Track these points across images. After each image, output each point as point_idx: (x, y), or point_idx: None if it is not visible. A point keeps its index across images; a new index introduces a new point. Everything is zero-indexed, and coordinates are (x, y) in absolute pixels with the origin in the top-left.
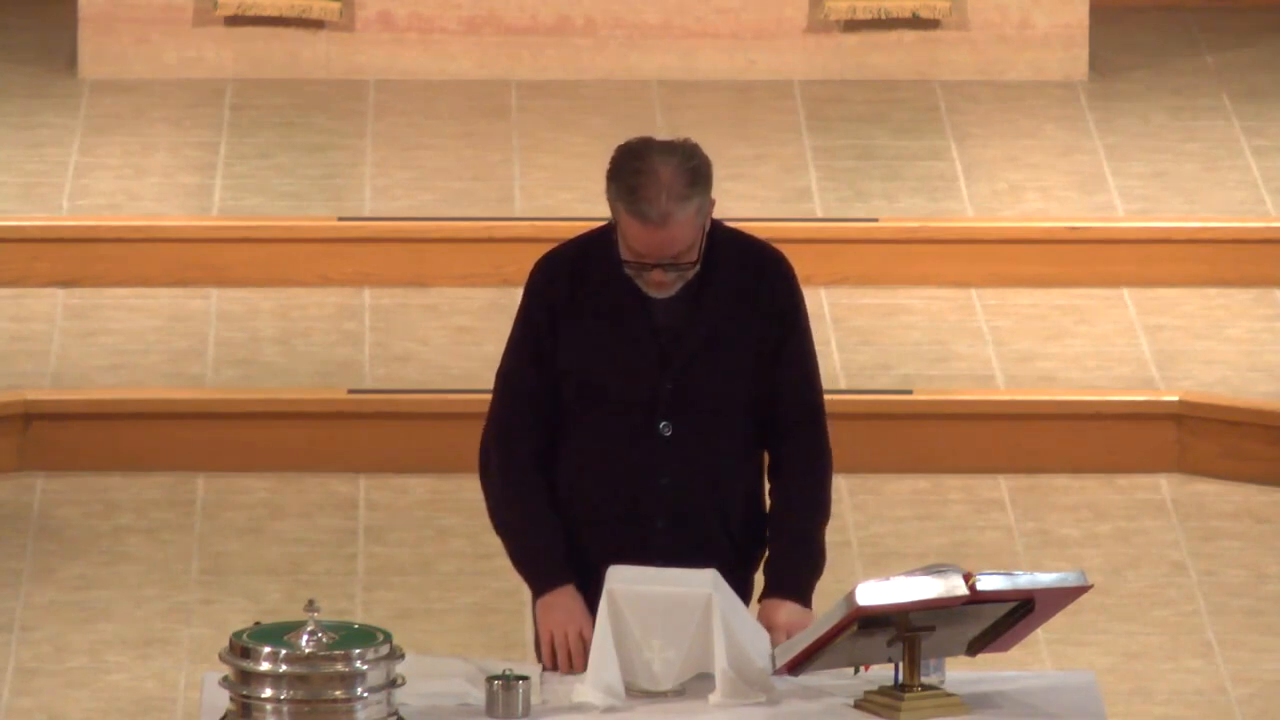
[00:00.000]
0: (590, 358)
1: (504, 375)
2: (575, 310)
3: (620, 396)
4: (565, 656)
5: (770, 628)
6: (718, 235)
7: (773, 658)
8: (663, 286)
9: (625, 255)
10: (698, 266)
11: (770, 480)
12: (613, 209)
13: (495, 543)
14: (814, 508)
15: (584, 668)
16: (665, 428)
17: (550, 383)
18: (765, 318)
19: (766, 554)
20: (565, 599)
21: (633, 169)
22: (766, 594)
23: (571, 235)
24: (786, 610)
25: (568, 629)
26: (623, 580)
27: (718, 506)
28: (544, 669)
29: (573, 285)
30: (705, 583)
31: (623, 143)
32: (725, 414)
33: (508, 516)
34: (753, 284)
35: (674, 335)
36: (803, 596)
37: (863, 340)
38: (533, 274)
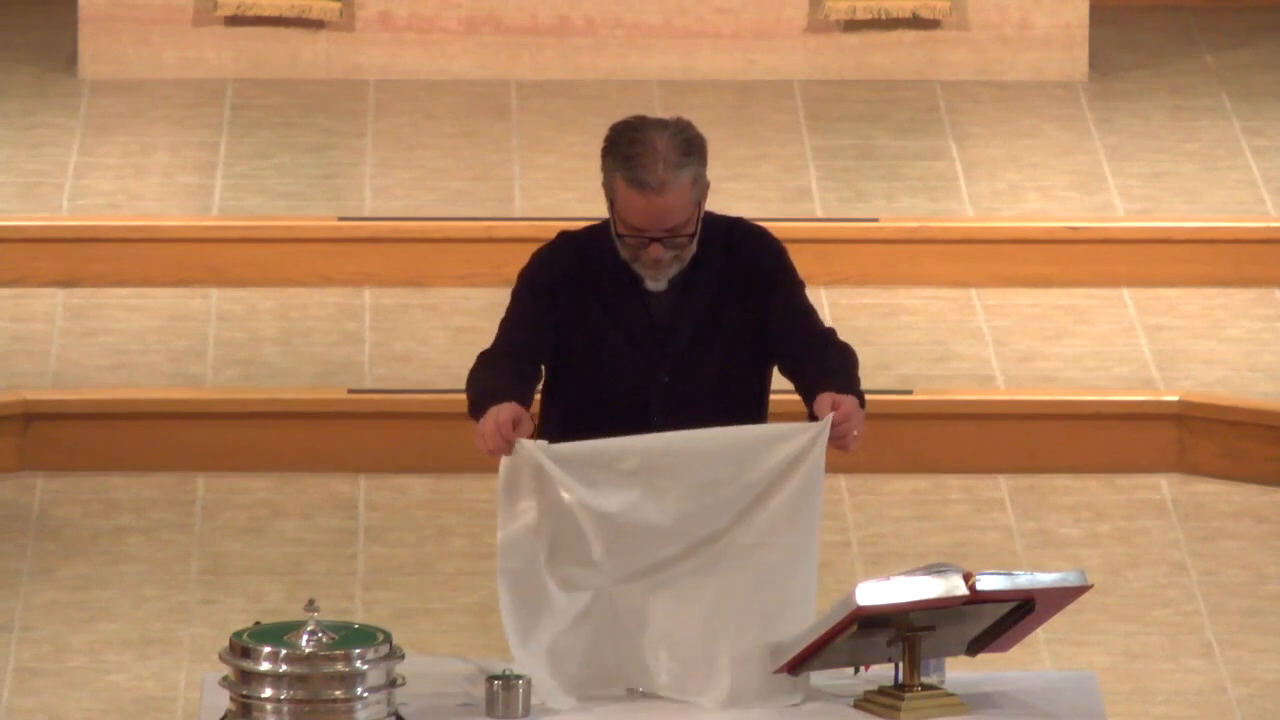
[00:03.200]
0: (587, 353)
1: (500, 338)
2: (575, 298)
3: (616, 391)
4: (494, 434)
5: (836, 405)
6: (707, 225)
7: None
8: (660, 266)
9: (622, 230)
10: (694, 245)
11: (801, 377)
12: (609, 184)
13: (495, 542)
14: (850, 364)
15: (507, 440)
16: (660, 421)
17: (545, 347)
18: (750, 286)
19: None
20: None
21: (629, 139)
22: (825, 390)
23: None
24: (849, 399)
25: (496, 414)
26: (624, 580)
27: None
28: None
29: (575, 271)
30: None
31: (616, 121)
32: (720, 404)
33: (471, 383)
34: (734, 261)
35: (669, 330)
36: (857, 395)
37: (863, 340)
38: (533, 257)
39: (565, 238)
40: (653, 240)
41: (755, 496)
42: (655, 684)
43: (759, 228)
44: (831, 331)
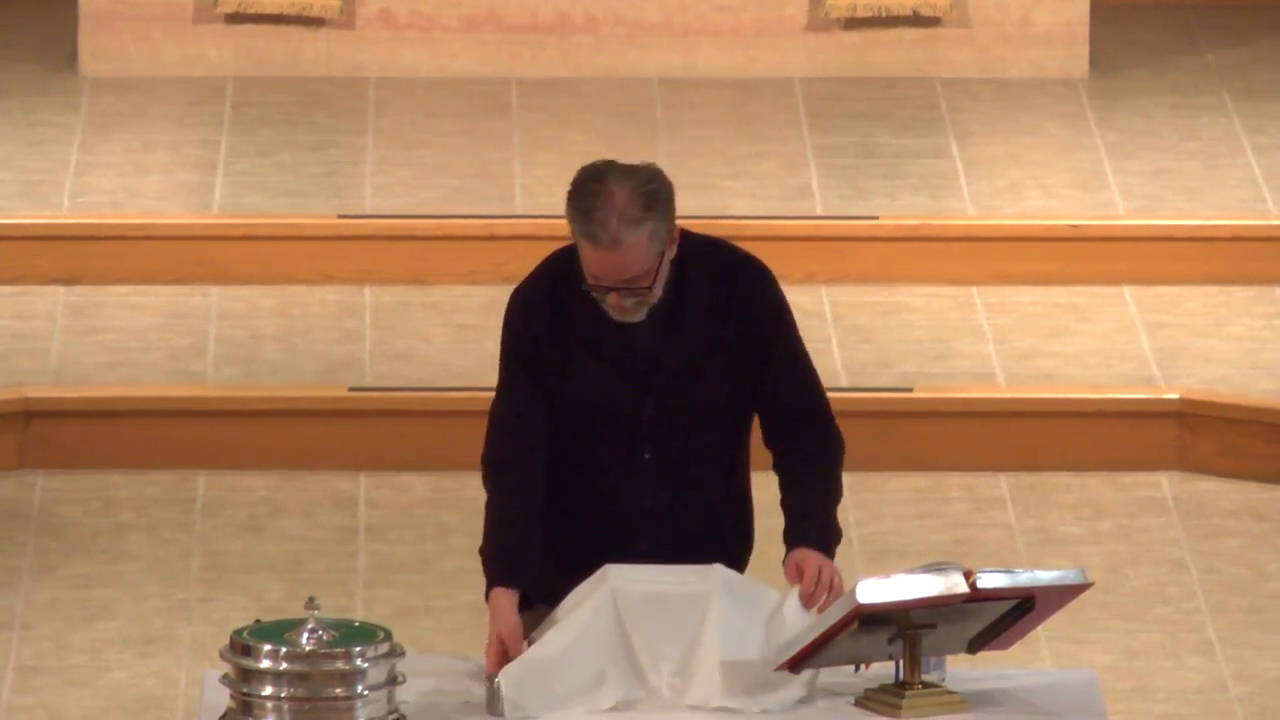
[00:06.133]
0: (571, 385)
1: (498, 418)
2: (557, 339)
3: (601, 423)
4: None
5: (801, 571)
6: (690, 249)
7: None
8: (623, 311)
9: (586, 277)
10: (657, 291)
11: (778, 473)
12: (572, 232)
13: None
14: (826, 486)
15: (496, 669)
16: (647, 452)
17: (547, 413)
18: (743, 327)
19: (783, 528)
20: (500, 600)
21: (589, 190)
22: (792, 548)
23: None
24: (815, 555)
25: (491, 634)
26: (627, 590)
27: (704, 523)
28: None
29: (553, 316)
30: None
31: (585, 165)
32: (707, 434)
33: (488, 509)
34: (726, 295)
35: (652, 360)
36: (827, 550)
37: (863, 338)
38: (510, 310)
39: (541, 275)
40: (611, 289)
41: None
42: (655, 695)
43: (760, 268)
44: (823, 409)
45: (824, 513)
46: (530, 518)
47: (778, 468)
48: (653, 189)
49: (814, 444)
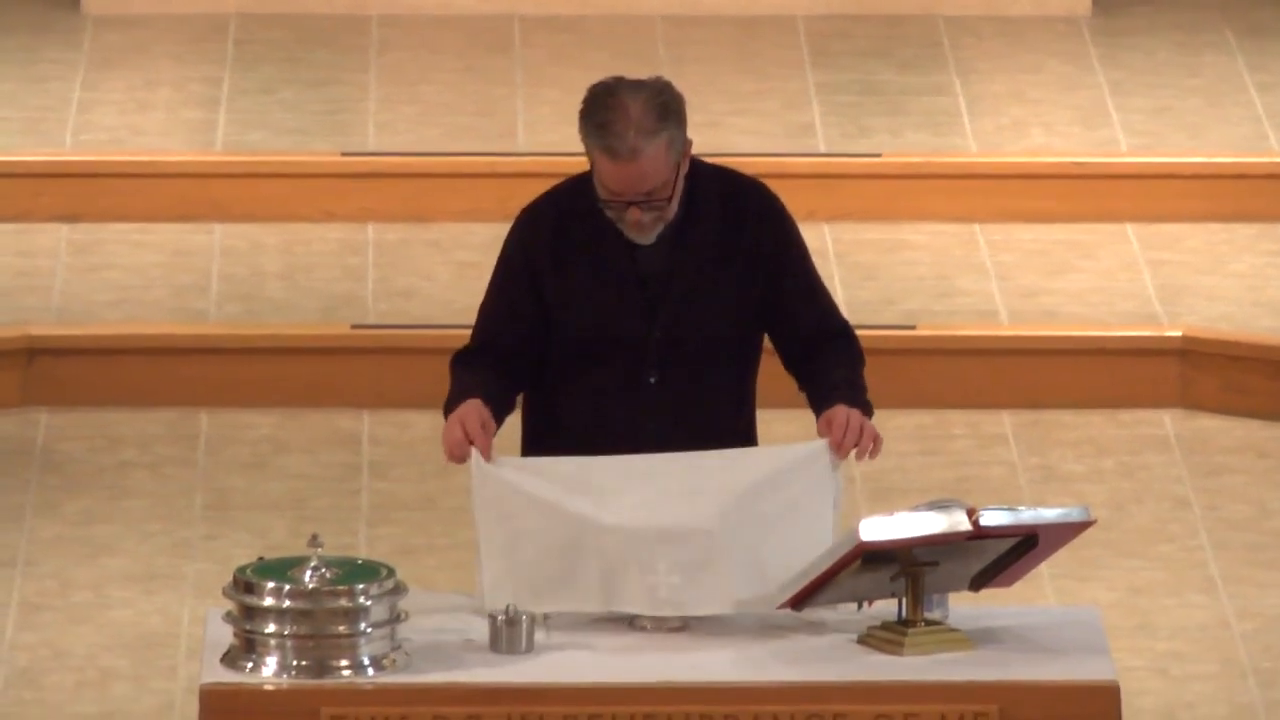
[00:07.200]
0: (576, 310)
1: (475, 329)
2: (559, 263)
3: (607, 347)
4: (458, 444)
5: (831, 425)
6: (699, 176)
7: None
8: (641, 228)
9: (602, 194)
10: (674, 205)
11: (804, 385)
12: (586, 148)
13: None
14: (853, 375)
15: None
16: (652, 376)
17: (526, 336)
18: (752, 251)
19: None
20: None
21: (602, 105)
22: (823, 408)
23: (574, 170)
24: (843, 408)
25: (462, 418)
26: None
27: (708, 449)
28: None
29: (556, 238)
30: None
31: (594, 83)
32: (713, 359)
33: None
34: (736, 219)
35: (660, 283)
36: (863, 409)
37: (866, 275)
38: (514, 228)
39: (548, 198)
40: (630, 204)
41: (757, 493)
42: (652, 600)
43: (768, 193)
44: (844, 326)
45: (853, 388)
46: (489, 397)
47: (802, 379)
48: (665, 100)
49: (837, 350)
